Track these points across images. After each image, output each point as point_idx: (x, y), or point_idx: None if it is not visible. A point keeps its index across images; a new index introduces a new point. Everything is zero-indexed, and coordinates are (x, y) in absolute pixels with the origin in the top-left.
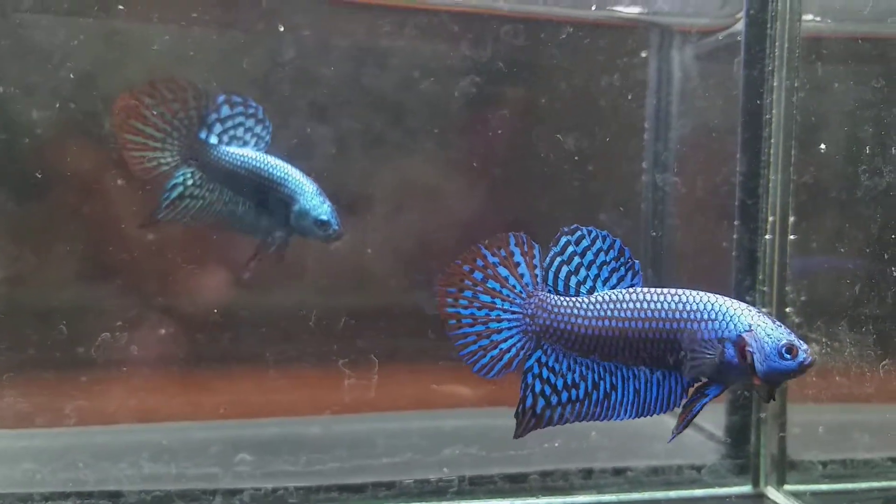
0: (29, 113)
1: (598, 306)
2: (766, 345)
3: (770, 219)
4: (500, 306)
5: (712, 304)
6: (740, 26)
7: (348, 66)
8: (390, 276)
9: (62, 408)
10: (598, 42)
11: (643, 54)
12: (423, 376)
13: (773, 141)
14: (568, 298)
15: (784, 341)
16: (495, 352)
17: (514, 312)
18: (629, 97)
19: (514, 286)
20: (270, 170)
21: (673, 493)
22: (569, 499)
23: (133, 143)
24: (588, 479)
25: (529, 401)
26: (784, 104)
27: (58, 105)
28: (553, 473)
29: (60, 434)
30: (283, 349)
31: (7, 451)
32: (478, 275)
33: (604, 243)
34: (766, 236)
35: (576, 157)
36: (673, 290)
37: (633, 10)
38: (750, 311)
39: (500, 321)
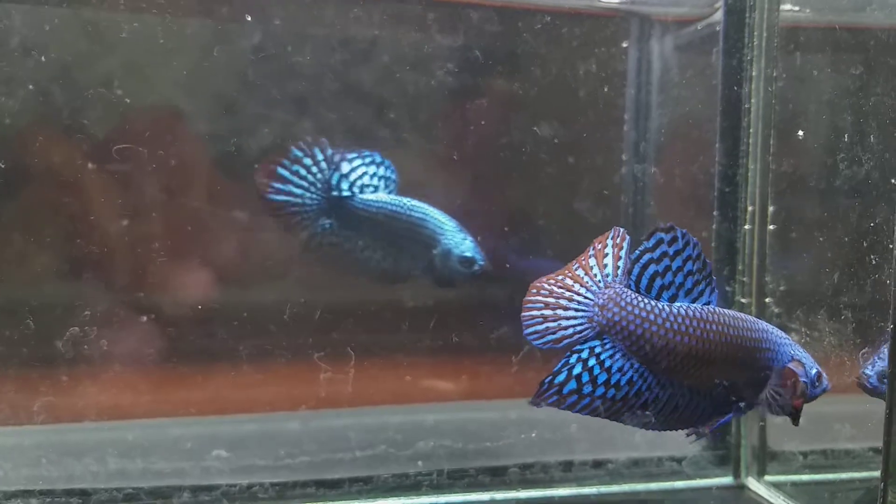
0: None
1: (679, 320)
2: (808, 375)
3: (749, 208)
4: (576, 290)
5: (767, 333)
6: (719, 16)
7: (324, 55)
8: None
9: (31, 405)
10: (576, 31)
11: (624, 44)
12: (400, 370)
13: (751, 130)
14: (646, 300)
15: (815, 371)
16: (553, 324)
17: (585, 297)
18: (608, 87)
19: (595, 274)
20: (408, 212)
21: (653, 486)
22: (549, 492)
23: (277, 204)
24: (568, 472)
25: (561, 377)
26: (763, 93)
27: (27, 96)
28: (533, 466)
29: (30, 431)
30: (259, 344)
31: None
32: (574, 265)
33: (693, 251)
34: (746, 226)
35: (554, 147)
36: (743, 316)
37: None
38: (785, 337)
39: (570, 300)
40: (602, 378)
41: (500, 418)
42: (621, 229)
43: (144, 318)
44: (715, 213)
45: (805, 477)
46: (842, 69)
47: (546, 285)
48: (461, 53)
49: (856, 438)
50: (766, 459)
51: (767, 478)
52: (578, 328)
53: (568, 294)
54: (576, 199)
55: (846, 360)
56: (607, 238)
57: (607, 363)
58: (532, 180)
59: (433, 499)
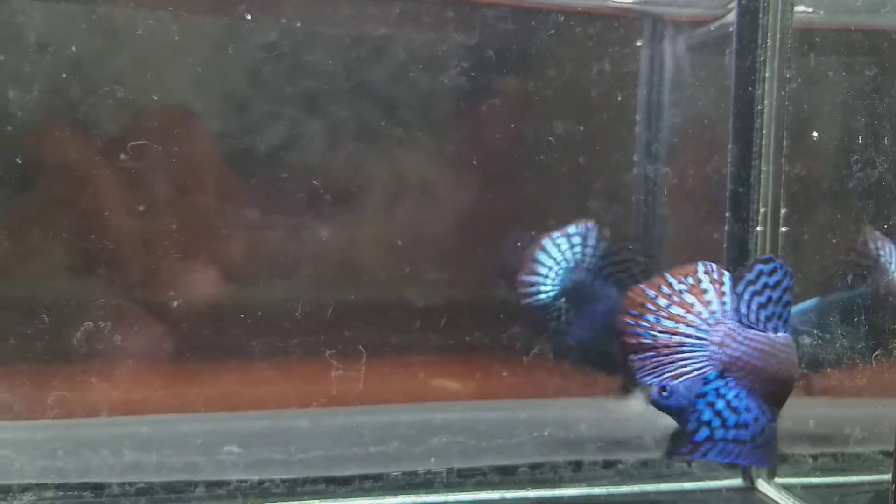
0: (9, 100)
1: (788, 350)
2: None
3: (762, 210)
4: (683, 332)
5: None
6: (732, 16)
7: (337, 53)
8: (380, 268)
9: (44, 400)
10: (589, 31)
11: (637, 43)
12: (412, 369)
13: (764, 132)
14: (760, 333)
15: None
16: (669, 374)
17: (698, 339)
18: (620, 87)
19: (699, 312)
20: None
21: (663, 486)
22: (558, 491)
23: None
24: (578, 472)
25: (692, 426)
26: (776, 95)
27: (41, 92)
28: (542, 466)
29: (42, 426)
30: (273, 341)
31: None
32: (661, 301)
33: (790, 282)
34: (758, 228)
35: (566, 147)
36: None
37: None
38: None
39: (681, 345)
40: (732, 420)
41: (510, 418)
42: (712, 265)
43: (157, 315)
44: (727, 214)
45: (815, 479)
46: (856, 71)
47: (644, 331)
48: (474, 52)
49: (866, 442)
50: (776, 462)
51: (777, 480)
52: (700, 370)
53: (676, 339)
54: (588, 199)
55: (858, 363)
56: (696, 273)
57: (734, 403)
58: (543, 181)
59: (443, 497)
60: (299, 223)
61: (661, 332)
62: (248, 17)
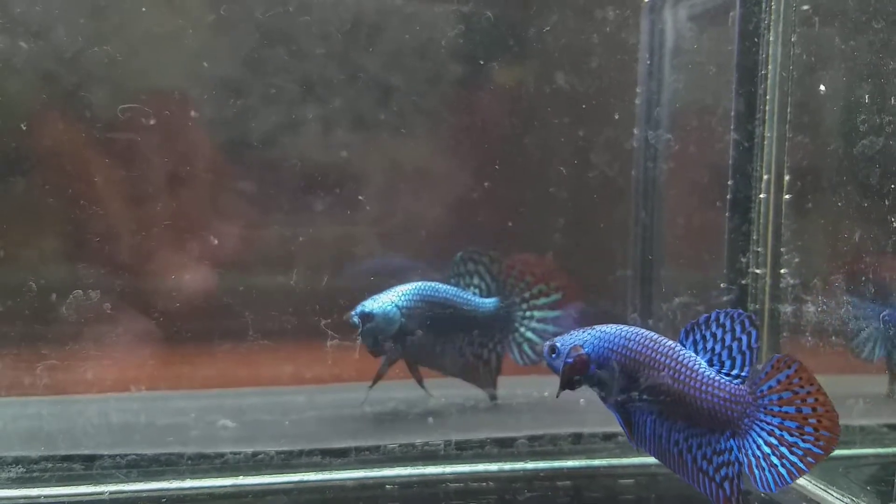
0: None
1: None
2: None
3: (765, 177)
4: None
5: None
6: None
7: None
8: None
9: (40, 378)
10: None
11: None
12: None
13: (768, 97)
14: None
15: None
16: None
17: None
18: (622, 53)
19: None
20: None
21: None
22: (558, 463)
23: None
24: (577, 444)
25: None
26: (780, 59)
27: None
28: (542, 438)
29: (39, 402)
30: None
31: None
32: None
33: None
34: (761, 195)
35: (567, 113)
36: None
37: None
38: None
39: None
40: None
41: (507, 394)
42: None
43: (152, 299)
44: (730, 181)
45: None
46: (861, 35)
47: None
48: (473, 14)
49: (870, 414)
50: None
51: None
52: None
53: None
54: (588, 168)
55: (864, 328)
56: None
57: None
58: (546, 148)
59: (441, 468)
60: None
61: None
62: None
